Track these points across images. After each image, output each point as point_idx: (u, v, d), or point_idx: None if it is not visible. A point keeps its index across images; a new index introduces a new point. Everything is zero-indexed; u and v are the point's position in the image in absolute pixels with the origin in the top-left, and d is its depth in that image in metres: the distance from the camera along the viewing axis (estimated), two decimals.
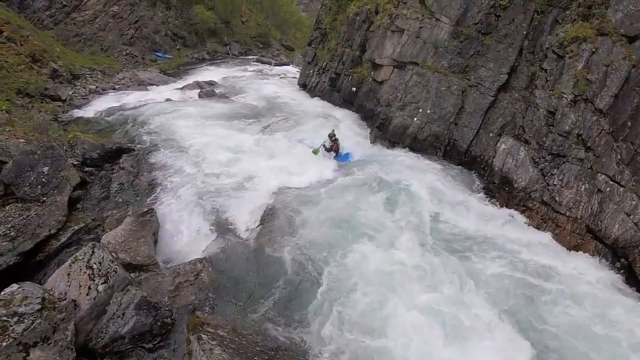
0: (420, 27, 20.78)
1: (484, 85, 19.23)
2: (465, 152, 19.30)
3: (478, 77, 19.47)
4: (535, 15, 18.93)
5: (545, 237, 14.77)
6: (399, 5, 22.01)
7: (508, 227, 15.19)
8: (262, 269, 12.32)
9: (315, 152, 19.81)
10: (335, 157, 20.03)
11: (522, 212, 15.96)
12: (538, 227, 15.28)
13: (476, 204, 16.38)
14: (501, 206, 16.57)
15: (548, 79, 16.89)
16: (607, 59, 14.85)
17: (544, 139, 16.19)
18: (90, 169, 17.52)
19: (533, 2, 18.95)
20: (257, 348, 9.19)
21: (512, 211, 16.09)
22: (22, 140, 16.30)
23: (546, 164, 15.92)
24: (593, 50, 15.31)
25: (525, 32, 18.98)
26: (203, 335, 8.85)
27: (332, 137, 20.02)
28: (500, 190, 17.09)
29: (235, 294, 11.41)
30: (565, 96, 15.61)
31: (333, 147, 19.96)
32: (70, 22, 41.83)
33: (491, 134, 18.74)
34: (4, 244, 11.60)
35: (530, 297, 11.84)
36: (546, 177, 15.67)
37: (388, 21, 22.41)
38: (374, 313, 10.82)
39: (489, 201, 16.90)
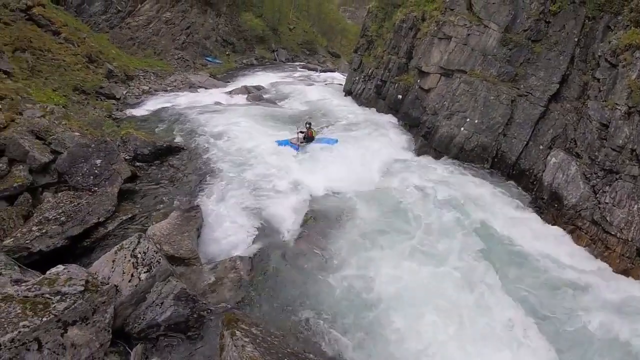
0: (468, 34, 20.46)
1: (534, 95, 18.64)
2: (513, 164, 18.72)
3: (528, 86, 18.89)
4: (587, 21, 18.20)
5: (592, 258, 13.92)
6: (446, 12, 21.78)
7: (555, 245, 14.35)
8: (301, 273, 12.32)
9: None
10: (309, 143, 20.83)
11: (571, 230, 15.05)
12: (587, 248, 14.33)
13: (523, 220, 15.75)
14: (549, 223, 15.74)
15: (601, 89, 16.06)
16: None
17: (597, 153, 15.26)
18: (140, 164, 18.24)
19: (584, 7, 18.25)
20: (288, 350, 9.13)
21: (560, 229, 15.32)
22: (77, 133, 17.04)
23: (598, 180, 14.96)
24: None
25: (576, 39, 18.28)
26: (237, 332, 8.90)
27: (308, 126, 21.20)
28: (549, 206, 16.29)
29: (272, 294, 11.50)
30: (619, 108, 14.69)
31: (308, 133, 20.87)
32: (125, 26, 43.78)
33: (541, 147, 18.05)
34: (53, 227, 12.16)
35: (574, 320, 11.29)
36: (597, 195, 14.76)
37: (435, 28, 22.23)
38: (421, 335, 10.42)
39: (536, 217, 16.19)
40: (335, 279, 12.06)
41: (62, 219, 12.53)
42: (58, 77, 25.00)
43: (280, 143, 20.97)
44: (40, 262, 11.27)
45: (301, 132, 20.90)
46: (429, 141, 21.20)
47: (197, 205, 14.54)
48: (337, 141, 21.21)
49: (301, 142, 20.58)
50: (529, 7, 19.38)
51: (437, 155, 20.48)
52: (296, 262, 12.70)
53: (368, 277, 12.07)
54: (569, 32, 18.47)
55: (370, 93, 29.75)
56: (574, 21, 18.45)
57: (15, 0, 26.61)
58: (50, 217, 12.45)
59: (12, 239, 11.50)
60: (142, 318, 9.56)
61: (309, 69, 56.09)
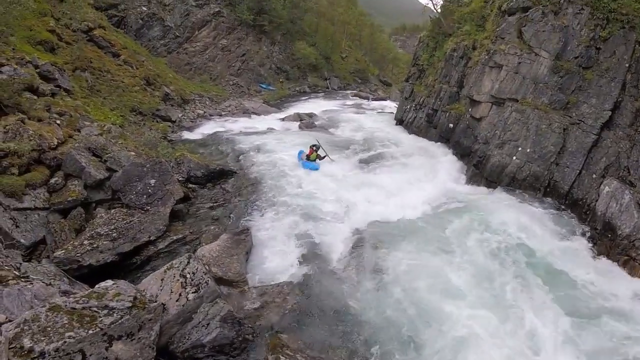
0: (519, 63, 20.08)
1: (586, 123, 18.00)
2: (566, 194, 18.04)
3: (580, 114, 18.27)
4: (637, 46, 17.59)
5: None
6: (496, 40, 21.50)
7: (609, 278, 13.84)
8: (349, 301, 12.16)
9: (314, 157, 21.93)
10: (305, 162, 21.91)
11: (625, 262, 14.53)
12: None
13: (576, 250, 15.22)
14: (603, 254, 15.18)
15: None
16: None
17: None
18: (193, 186, 18.80)
19: (633, 32, 17.67)
20: None
21: (613, 260, 14.79)
22: (132, 153, 17.82)
23: None
24: None
25: (627, 65, 17.63)
26: (281, 357, 8.92)
27: (313, 147, 22.35)
28: (603, 236, 15.66)
29: (318, 321, 11.39)
30: None
31: (308, 152, 22.07)
32: (182, 51, 45.80)
33: (594, 175, 17.37)
34: (105, 242, 12.71)
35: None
36: None
37: (486, 57, 21.97)
38: None
39: (590, 247, 15.56)
40: (383, 309, 11.85)
41: (113, 235, 13.07)
42: (116, 97, 26.44)
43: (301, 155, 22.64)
44: (89, 275, 11.75)
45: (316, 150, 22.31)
46: (480, 170, 20.78)
47: (247, 229, 14.73)
48: (318, 168, 21.69)
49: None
50: (579, 34, 18.91)
51: (489, 185, 20.04)
52: (344, 290, 12.57)
53: (420, 310, 11.80)
54: (619, 57, 17.87)
55: (422, 122, 29.58)
56: (624, 46, 17.87)
57: (77, 22, 28.40)
58: (102, 232, 13.01)
59: (63, 251, 12.07)
60: (187, 338, 9.72)
61: (361, 97, 56.54)
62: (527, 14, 20.14)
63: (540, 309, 11.90)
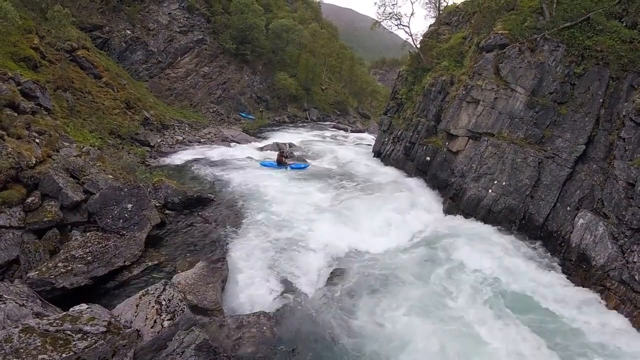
0: (496, 98, 20.70)
1: (560, 157, 18.55)
2: (541, 226, 18.38)
3: (555, 148, 18.84)
4: (611, 81, 18.30)
5: (622, 320, 13.51)
6: (474, 76, 22.13)
7: (584, 307, 14.00)
8: (325, 332, 12.10)
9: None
10: (278, 166, 27.53)
11: (600, 291, 14.75)
12: (615, 309, 13.97)
13: (551, 282, 15.35)
14: (578, 285, 15.41)
15: (627, 148, 16.02)
16: None
17: (624, 212, 15.09)
18: (170, 212, 18.69)
19: (607, 68, 18.40)
20: None
21: (588, 291, 14.98)
22: (110, 176, 17.67)
23: (626, 239, 14.75)
24: None
25: (601, 100, 18.33)
26: None
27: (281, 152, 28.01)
28: (577, 267, 15.96)
29: (294, 352, 11.32)
30: None
31: (279, 158, 27.68)
32: (164, 76, 45.98)
33: (568, 208, 17.79)
34: (79, 265, 12.48)
35: None
36: (625, 254, 14.54)
37: (463, 92, 22.58)
38: None
39: (564, 279, 15.78)
40: (357, 339, 11.85)
41: (88, 258, 12.85)
42: (96, 119, 26.33)
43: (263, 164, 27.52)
44: (62, 298, 11.49)
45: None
46: (456, 203, 21.10)
47: (224, 257, 14.66)
48: (307, 166, 27.32)
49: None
50: (554, 70, 19.67)
51: (465, 217, 20.31)
52: (319, 321, 12.51)
53: (394, 342, 11.82)
54: (593, 93, 18.58)
55: (399, 154, 30.08)
56: (598, 82, 18.59)
57: (61, 41, 28.24)
58: (77, 255, 12.80)
59: (37, 272, 11.81)
60: None
61: (339, 129, 57.29)
62: (505, 50, 20.89)
63: (515, 342, 11.94)
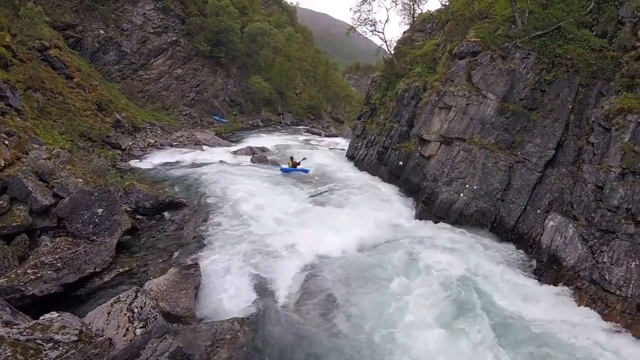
0: (467, 104, 21.09)
1: (530, 161, 19.07)
2: (512, 228, 18.86)
3: (525, 152, 19.35)
4: (580, 88, 18.94)
5: (594, 317, 13.81)
6: (446, 82, 22.50)
7: (555, 307, 14.32)
8: (299, 337, 12.05)
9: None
10: (292, 170, 29.17)
11: (571, 291, 15.04)
12: (587, 307, 14.27)
13: (523, 283, 15.64)
14: (549, 285, 15.69)
15: (595, 152, 16.53)
16: None
17: (593, 214, 15.53)
18: (141, 217, 18.36)
19: (577, 75, 19.03)
20: None
21: (560, 290, 15.23)
22: (80, 180, 17.29)
23: (595, 240, 15.14)
24: (639, 120, 14.98)
25: (571, 106, 18.96)
26: None
27: (292, 158, 29.92)
28: (549, 268, 16.32)
29: (269, 357, 11.23)
30: (613, 170, 15.06)
31: (290, 164, 29.57)
32: (137, 78, 45.35)
33: (539, 211, 18.32)
34: (49, 272, 12.15)
35: None
36: (595, 255, 14.89)
37: (436, 98, 22.92)
38: None
39: (536, 280, 16.08)
40: (332, 343, 11.88)
41: (58, 264, 12.53)
42: (66, 120, 25.77)
43: (283, 170, 29.15)
44: (31, 305, 11.17)
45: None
46: (429, 207, 21.34)
47: (196, 263, 14.46)
48: (309, 171, 29.30)
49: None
50: (525, 77, 20.23)
51: (437, 221, 20.55)
52: (293, 326, 12.45)
53: (367, 343, 11.96)
54: (563, 99, 19.19)
55: (372, 159, 30.35)
56: (568, 89, 19.21)
57: (32, 39, 27.56)
58: (47, 261, 12.47)
59: (5, 279, 11.47)
60: None
61: (313, 133, 57.40)
62: (477, 58, 21.33)
63: (486, 345, 12.05)
